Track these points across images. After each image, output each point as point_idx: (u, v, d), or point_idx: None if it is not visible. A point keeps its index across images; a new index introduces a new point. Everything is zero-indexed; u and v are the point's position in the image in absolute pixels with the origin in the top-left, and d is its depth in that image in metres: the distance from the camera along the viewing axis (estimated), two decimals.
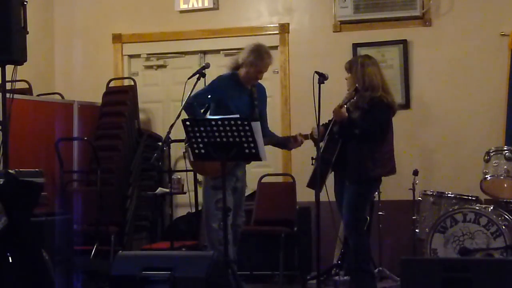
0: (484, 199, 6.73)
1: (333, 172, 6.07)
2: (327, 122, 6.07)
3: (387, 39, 7.52)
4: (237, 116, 5.52)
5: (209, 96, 6.00)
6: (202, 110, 6.05)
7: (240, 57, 6.07)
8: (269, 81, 7.91)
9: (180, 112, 5.67)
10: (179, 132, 5.88)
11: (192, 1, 8.03)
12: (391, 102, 5.95)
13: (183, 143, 6.24)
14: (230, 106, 5.97)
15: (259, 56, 5.98)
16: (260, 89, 6.21)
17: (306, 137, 6.08)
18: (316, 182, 5.68)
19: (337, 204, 6.09)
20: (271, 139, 6.19)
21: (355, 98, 5.83)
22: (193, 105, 5.91)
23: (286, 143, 6.21)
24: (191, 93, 5.76)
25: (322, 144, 5.93)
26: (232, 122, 5.28)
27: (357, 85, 5.85)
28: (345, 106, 5.84)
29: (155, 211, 7.95)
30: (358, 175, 5.88)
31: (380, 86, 5.92)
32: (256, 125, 5.35)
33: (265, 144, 6.04)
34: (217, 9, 8.01)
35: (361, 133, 5.83)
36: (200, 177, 7.78)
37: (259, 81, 6.20)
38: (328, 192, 5.94)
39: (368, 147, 5.87)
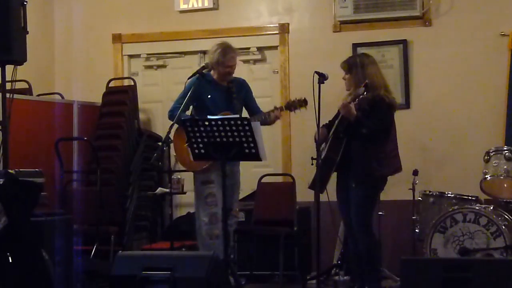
0: (484, 199, 6.72)
1: (335, 172, 6.04)
2: (327, 122, 6.04)
3: (387, 39, 7.52)
4: (237, 116, 5.54)
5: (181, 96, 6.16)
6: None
7: (208, 60, 6.31)
8: (269, 81, 7.94)
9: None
10: None
11: (192, 1, 8.03)
12: (392, 101, 5.89)
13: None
14: (205, 101, 6.18)
15: (222, 53, 6.20)
16: (240, 83, 6.40)
17: (281, 108, 6.32)
18: (317, 184, 5.67)
19: (338, 204, 6.05)
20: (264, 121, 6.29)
21: (365, 93, 5.69)
22: (174, 114, 6.05)
23: (267, 119, 6.32)
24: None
25: (325, 145, 5.92)
26: (232, 122, 5.29)
27: (367, 81, 5.78)
28: (355, 102, 5.73)
29: (155, 211, 7.95)
30: (364, 176, 5.81)
31: (382, 85, 5.86)
32: (256, 125, 5.36)
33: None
34: (217, 9, 8.01)
35: (368, 133, 5.75)
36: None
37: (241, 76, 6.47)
38: (328, 192, 5.93)
39: (373, 147, 5.81)
